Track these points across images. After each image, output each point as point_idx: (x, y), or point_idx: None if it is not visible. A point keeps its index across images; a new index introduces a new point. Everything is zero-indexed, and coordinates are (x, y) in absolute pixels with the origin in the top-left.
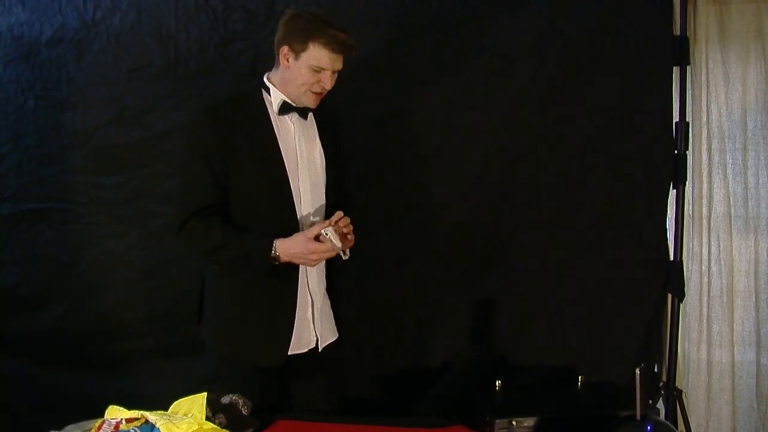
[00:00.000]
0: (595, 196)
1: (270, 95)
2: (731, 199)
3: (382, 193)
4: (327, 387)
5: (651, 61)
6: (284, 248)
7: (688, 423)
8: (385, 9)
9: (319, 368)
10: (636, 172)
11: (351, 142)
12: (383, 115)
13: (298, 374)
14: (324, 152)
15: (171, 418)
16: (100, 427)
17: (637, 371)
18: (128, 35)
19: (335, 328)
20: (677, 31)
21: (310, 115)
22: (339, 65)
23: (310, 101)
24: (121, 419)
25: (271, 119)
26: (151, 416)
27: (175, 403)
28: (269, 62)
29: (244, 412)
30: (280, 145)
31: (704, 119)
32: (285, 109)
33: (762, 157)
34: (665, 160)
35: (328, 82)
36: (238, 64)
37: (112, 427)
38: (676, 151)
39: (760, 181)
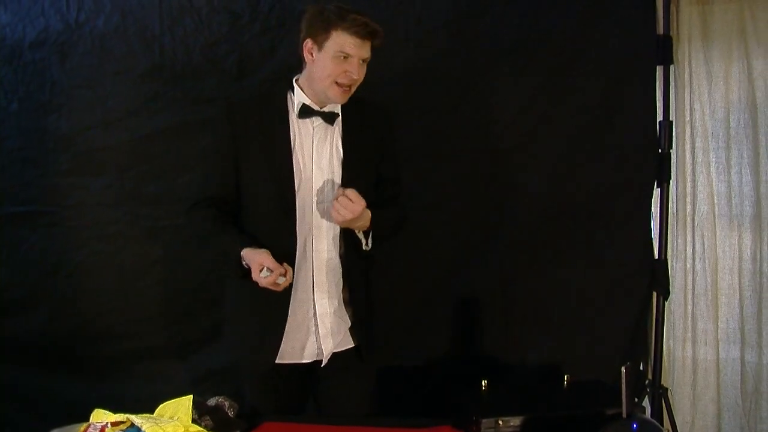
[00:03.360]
0: (579, 195)
1: (293, 96)
2: (715, 197)
3: None
4: (351, 391)
5: (634, 60)
6: (248, 260)
7: (674, 420)
8: (369, 9)
9: (343, 372)
10: (620, 171)
11: None
12: None
13: (321, 377)
14: (350, 159)
15: (157, 421)
16: (85, 431)
17: (623, 369)
18: (112, 38)
19: (350, 335)
20: (660, 30)
21: (339, 119)
22: (366, 53)
23: (337, 95)
24: (107, 422)
25: (290, 122)
26: (137, 419)
27: (161, 405)
28: (254, 63)
29: (231, 414)
30: (296, 150)
31: (688, 118)
32: (306, 112)
33: (745, 155)
34: (649, 158)
35: (355, 70)
36: (223, 65)
37: (98, 431)
38: (660, 150)
39: (744, 179)
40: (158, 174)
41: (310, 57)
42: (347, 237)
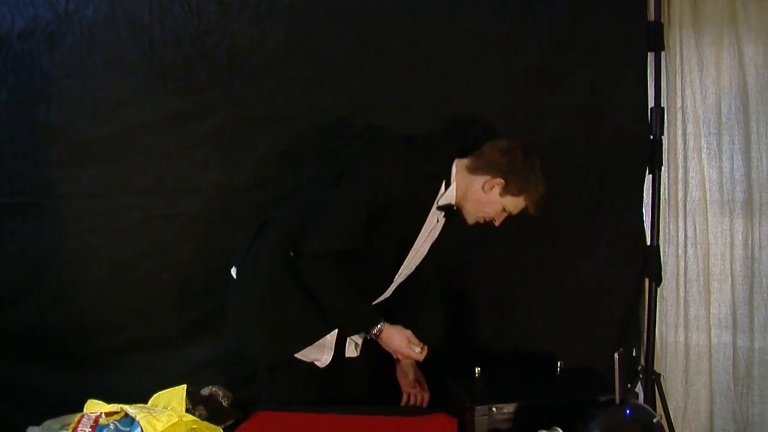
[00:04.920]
0: (570, 182)
1: (445, 188)
2: (707, 183)
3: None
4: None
5: (625, 46)
6: (391, 334)
7: (667, 406)
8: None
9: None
10: (612, 158)
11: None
12: (360, 104)
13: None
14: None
15: (151, 411)
16: (79, 422)
17: (616, 356)
18: (102, 27)
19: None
20: (651, 16)
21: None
22: (518, 213)
23: (473, 222)
24: (101, 413)
25: (431, 207)
26: (131, 409)
27: (155, 395)
28: (244, 53)
29: (225, 403)
30: (420, 233)
31: (679, 104)
32: (445, 208)
33: (736, 141)
34: (641, 145)
35: (499, 222)
36: (213, 55)
37: (92, 422)
38: (651, 137)
39: (735, 165)
40: (148, 165)
41: (489, 188)
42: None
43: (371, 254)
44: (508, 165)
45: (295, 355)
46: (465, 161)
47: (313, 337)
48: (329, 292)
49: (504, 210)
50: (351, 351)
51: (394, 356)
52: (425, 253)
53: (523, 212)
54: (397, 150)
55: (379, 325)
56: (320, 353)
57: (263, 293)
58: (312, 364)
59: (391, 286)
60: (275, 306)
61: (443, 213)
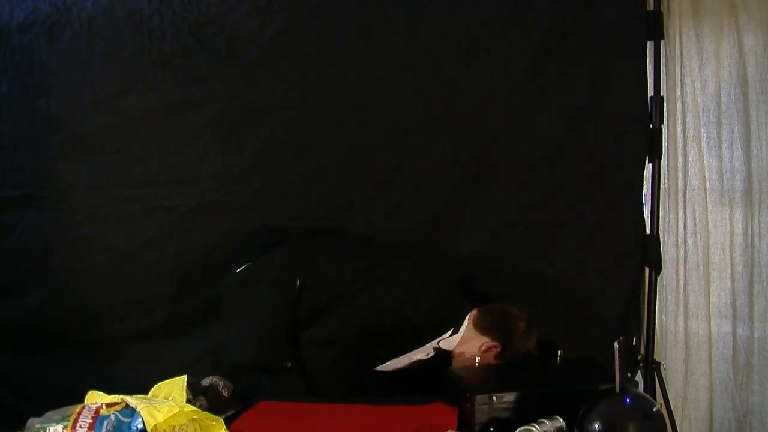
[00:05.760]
0: (570, 171)
1: (451, 333)
2: (706, 172)
3: (357, 174)
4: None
5: (625, 36)
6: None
7: (667, 395)
8: None
9: None
10: (611, 147)
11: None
12: (359, 98)
13: None
14: None
15: (151, 402)
16: (80, 413)
17: (616, 345)
18: (101, 19)
19: None
20: (651, 5)
21: None
22: None
23: (455, 365)
24: (102, 404)
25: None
26: (132, 400)
27: (156, 386)
28: (243, 44)
29: (225, 393)
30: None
31: (678, 93)
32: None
33: (736, 131)
34: (640, 134)
35: None
36: (212, 46)
37: (93, 412)
38: (651, 126)
39: (735, 154)
40: (148, 155)
41: (486, 347)
42: None
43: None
44: (509, 333)
45: None
46: (474, 314)
47: None
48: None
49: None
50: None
51: None
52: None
53: None
54: (408, 278)
55: None
56: None
57: (266, 298)
58: None
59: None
60: (276, 313)
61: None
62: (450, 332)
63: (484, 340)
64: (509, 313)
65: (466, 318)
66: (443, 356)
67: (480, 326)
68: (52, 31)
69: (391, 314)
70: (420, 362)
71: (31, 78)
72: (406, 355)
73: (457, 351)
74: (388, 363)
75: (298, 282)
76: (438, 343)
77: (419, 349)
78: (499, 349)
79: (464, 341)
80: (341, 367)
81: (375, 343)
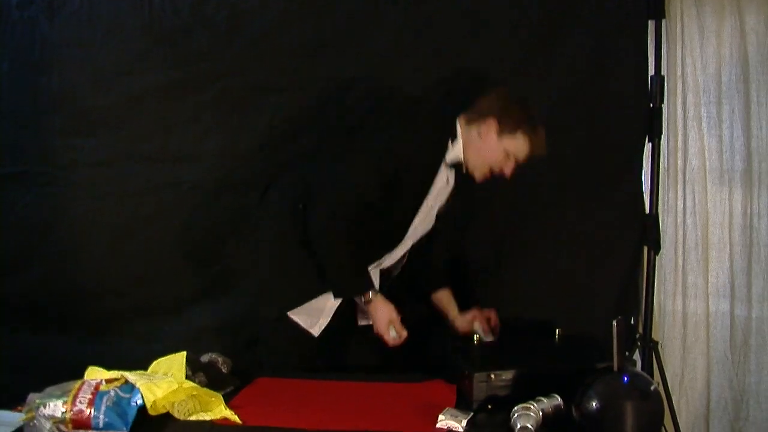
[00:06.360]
0: (570, 150)
1: (452, 144)
2: (706, 152)
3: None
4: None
5: (626, 14)
6: (374, 306)
7: (664, 374)
8: None
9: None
10: (611, 126)
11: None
12: (362, 70)
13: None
14: (448, 208)
15: (151, 378)
16: (80, 389)
17: (614, 323)
18: None
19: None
20: None
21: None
22: (524, 158)
23: (481, 177)
24: (101, 380)
25: (440, 165)
26: (131, 376)
27: (155, 362)
28: (244, 21)
29: (224, 370)
30: (430, 192)
31: (679, 73)
32: (455, 165)
33: (736, 111)
34: (640, 113)
35: (510, 170)
36: (213, 22)
37: (92, 388)
38: (651, 105)
39: (735, 134)
40: (150, 132)
41: (484, 133)
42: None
43: (381, 212)
44: (496, 105)
45: (292, 318)
46: (464, 116)
47: (308, 295)
48: (330, 248)
49: (507, 155)
50: (363, 319)
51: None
52: (434, 218)
53: (531, 156)
54: (406, 112)
55: (370, 293)
56: (315, 317)
57: (267, 247)
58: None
59: (399, 249)
60: (277, 259)
61: (453, 171)
62: (450, 143)
63: (479, 127)
64: (486, 93)
65: (457, 122)
66: (462, 176)
67: (469, 121)
68: (52, 8)
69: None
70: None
71: (32, 55)
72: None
73: (466, 156)
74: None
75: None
76: (447, 160)
77: (439, 178)
78: (496, 124)
79: (466, 142)
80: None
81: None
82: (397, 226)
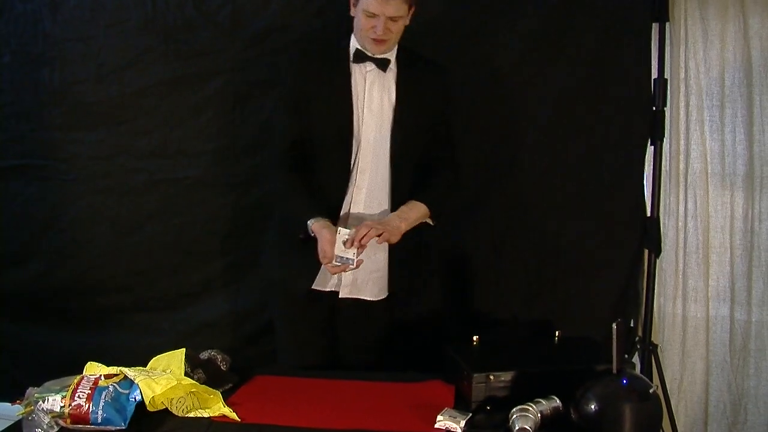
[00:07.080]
0: (572, 152)
1: (351, 43)
2: (708, 155)
3: None
4: (371, 337)
5: (630, 17)
6: (316, 230)
7: (663, 377)
8: None
9: (366, 318)
10: (614, 128)
11: None
12: None
13: (347, 320)
14: (402, 106)
15: (150, 374)
16: (79, 384)
17: (614, 326)
18: None
19: (386, 286)
20: None
21: (392, 67)
22: (390, 11)
23: (372, 48)
24: (100, 375)
25: (350, 67)
26: (130, 372)
27: (154, 358)
28: (248, 16)
29: (223, 367)
30: (353, 94)
31: (682, 76)
32: (360, 57)
33: (739, 114)
34: (643, 116)
35: (380, 27)
36: (216, 18)
37: (91, 384)
38: (654, 108)
39: (737, 138)
40: (152, 128)
41: (353, 9)
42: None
43: (320, 135)
44: None
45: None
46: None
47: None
48: (280, 191)
49: (367, 15)
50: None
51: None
52: (384, 117)
53: (384, 3)
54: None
55: (310, 221)
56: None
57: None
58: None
59: (355, 174)
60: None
61: (365, 65)
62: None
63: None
64: None
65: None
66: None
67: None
68: (54, 1)
69: None
70: None
71: (34, 48)
72: None
73: (356, 40)
74: None
75: None
76: (352, 58)
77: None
78: None
79: (354, 32)
80: None
81: None
82: (340, 144)
